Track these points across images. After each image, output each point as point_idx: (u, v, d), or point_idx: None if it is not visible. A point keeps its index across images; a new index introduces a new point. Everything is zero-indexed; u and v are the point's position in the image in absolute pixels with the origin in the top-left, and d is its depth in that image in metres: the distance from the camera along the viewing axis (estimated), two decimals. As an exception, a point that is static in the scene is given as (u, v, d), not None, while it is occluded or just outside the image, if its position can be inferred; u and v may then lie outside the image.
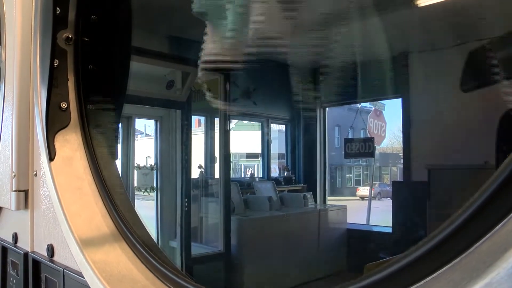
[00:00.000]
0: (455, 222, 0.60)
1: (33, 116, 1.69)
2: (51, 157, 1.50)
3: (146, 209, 5.22)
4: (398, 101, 5.75)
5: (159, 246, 4.63)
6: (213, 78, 5.22)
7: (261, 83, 6.20)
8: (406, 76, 5.24)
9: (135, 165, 5.06)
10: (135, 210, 1.52)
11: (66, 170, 1.51)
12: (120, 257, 1.30)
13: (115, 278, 1.22)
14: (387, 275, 0.70)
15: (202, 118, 5.90)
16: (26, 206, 1.78)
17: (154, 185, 5.07)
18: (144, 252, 1.28)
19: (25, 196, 1.78)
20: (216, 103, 5.23)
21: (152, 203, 5.10)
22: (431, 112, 4.88)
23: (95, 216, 1.42)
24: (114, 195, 1.45)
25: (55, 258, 1.58)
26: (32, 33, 1.64)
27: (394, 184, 6.86)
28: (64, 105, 1.56)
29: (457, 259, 0.60)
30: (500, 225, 0.55)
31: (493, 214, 0.56)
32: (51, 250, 1.59)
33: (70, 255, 1.41)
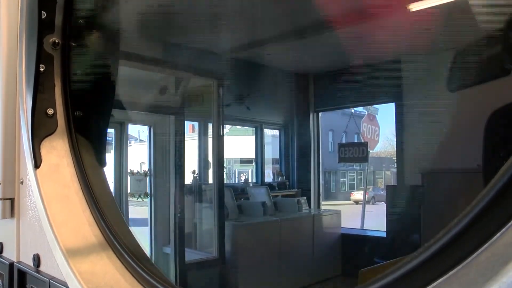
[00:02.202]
0: (451, 232, 0.58)
1: (19, 123, 1.65)
2: (37, 165, 1.46)
3: (139, 216, 5.18)
4: (391, 106, 5.77)
5: (151, 254, 4.59)
6: (207, 83, 5.20)
7: (255, 88, 6.19)
8: (399, 80, 5.25)
9: (129, 171, 5.01)
10: (124, 218, 1.48)
11: (53, 178, 1.47)
12: (108, 268, 1.26)
13: (101, 289, 1.19)
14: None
15: (196, 124, 5.87)
16: (12, 214, 1.74)
17: (148, 191, 5.03)
18: (132, 263, 1.24)
19: (11, 205, 1.73)
20: (210, 109, 5.21)
21: (146, 209, 5.05)
22: (424, 116, 4.89)
23: (82, 225, 1.38)
24: (102, 203, 1.41)
25: (41, 268, 1.53)
26: (18, 38, 1.60)
27: (388, 188, 6.86)
28: (50, 111, 1.53)
29: (453, 271, 0.57)
30: (498, 234, 0.53)
31: (490, 223, 0.54)
32: (37, 260, 1.54)
33: (57, 265, 1.37)
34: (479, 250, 0.54)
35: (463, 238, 0.57)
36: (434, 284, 0.59)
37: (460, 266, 0.56)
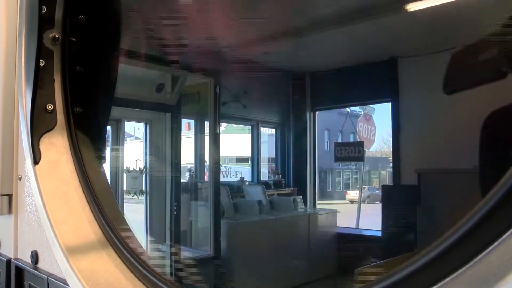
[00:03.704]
0: (460, 230, 0.58)
1: (18, 118, 1.63)
2: (35, 161, 1.45)
3: (135, 213, 5.16)
4: (388, 105, 5.78)
5: (148, 252, 4.58)
6: (203, 81, 5.19)
7: (251, 87, 6.18)
8: (395, 80, 5.27)
9: (125, 168, 4.99)
10: (124, 215, 1.47)
11: (52, 174, 1.46)
12: (107, 265, 1.25)
13: (101, 287, 1.18)
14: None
15: (192, 122, 5.85)
16: (9, 211, 1.72)
17: (144, 188, 5.01)
18: (132, 260, 1.23)
19: (8, 201, 1.72)
20: (206, 107, 5.19)
21: (142, 207, 5.03)
22: (421, 115, 4.91)
23: (81, 222, 1.37)
24: (102, 200, 1.40)
25: (40, 265, 1.52)
26: (17, 33, 1.59)
27: (384, 187, 6.88)
28: (50, 107, 1.51)
29: (461, 270, 0.57)
30: (508, 233, 0.52)
31: (501, 222, 0.53)
32: (35, 257, 1.53)
33: (55, 262, 1.36)
34: (489, 249, 0.54)
35: (472, 236, 0.56)
36: (442, 282, 0.59)
37: (468, 265, 0.56)
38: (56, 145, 1.50)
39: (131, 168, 5.09)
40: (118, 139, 4.82)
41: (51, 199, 1.39)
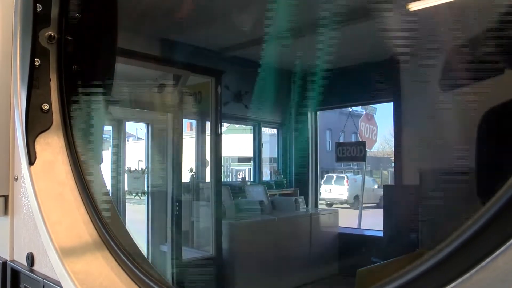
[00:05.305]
0: (466, 233, 0.55)
1: (13, 118, 1.61)
2: (31, 161, 1.42)
3: (137, 213, 5.15)
4: (390, 105, 5.75)
5: (148, 253, 4.56)
6: (205, 81, 5.17)
7: (253, 87, 6.15)
8: (397, 80, 5.24)
9: (126, 168, 4.99)
10: (120, 217, 1.45)
11: (47, 175, 1.43)
12: (103, 268, 1.23)
13: (96, 290, 1.15)
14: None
15: (194, 122, 5.84)
16: (6, 212, 1.70)
17: (145, 189, 5.00)
18: (128, 263, 1.20)
19: (4, 202, 1.70)
20: (208, 107, 5.17)
21: (143, 207, 5.03)
22: (423, 115, 4.88)
23: (76, 223, 1.35)
24: (98, 202, 1.38)
25: (35, 267, 1.50)
26: (13, 32, 1.56)
27: (386, 187, 6.85)
28: (45, 106, 1.49)
29: (467, 275, 0.54)
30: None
31: (509, 224, 0.51)
32: (31, 259, 1.51)
33: (51, 264, 1.34)
34: (496, 253, 0.51)
35: (479, 239, 0.53)
36: (446, 289, 0.56)
37: (474, 270, 0.53)
38: (52, 146, 1.47)
39: (132, 169, 5.08)
40: (119, 139, 4.81)
41: (46, 200, 1.37)
